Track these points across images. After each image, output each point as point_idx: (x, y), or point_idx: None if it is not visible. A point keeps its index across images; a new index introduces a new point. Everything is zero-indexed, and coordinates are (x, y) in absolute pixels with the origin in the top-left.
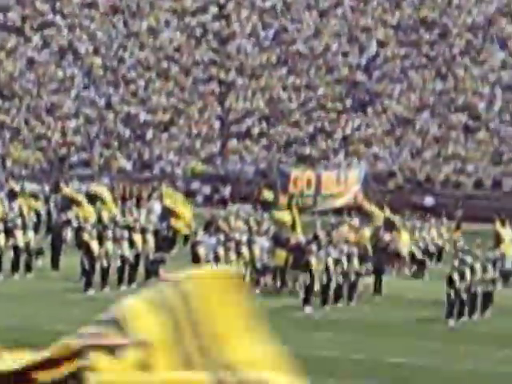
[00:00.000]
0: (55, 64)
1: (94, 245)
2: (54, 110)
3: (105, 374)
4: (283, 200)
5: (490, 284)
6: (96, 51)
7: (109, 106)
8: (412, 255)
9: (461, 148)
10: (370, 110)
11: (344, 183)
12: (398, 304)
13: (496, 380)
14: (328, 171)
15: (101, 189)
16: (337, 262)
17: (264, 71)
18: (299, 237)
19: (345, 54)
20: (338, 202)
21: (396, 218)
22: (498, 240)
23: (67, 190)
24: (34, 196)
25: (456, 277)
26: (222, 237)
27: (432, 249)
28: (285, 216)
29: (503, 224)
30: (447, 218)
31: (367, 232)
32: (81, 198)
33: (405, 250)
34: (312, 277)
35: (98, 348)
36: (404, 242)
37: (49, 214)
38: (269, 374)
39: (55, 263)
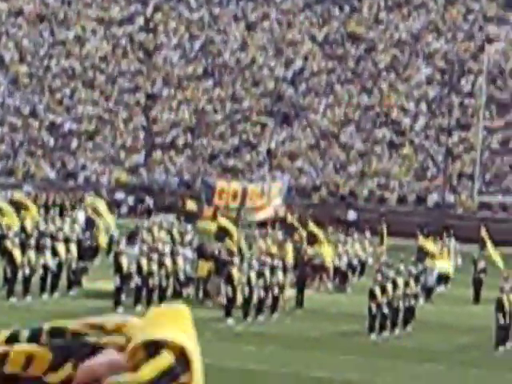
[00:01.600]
0: None
1: (17, 253)
2: None
3: None
4: (207, 211)
5: (413, 299)
6: (22, 59)
7: (34, 114)
8: (335, 269)
9: (385, 163)
10: (295, 123)
11: (266, 196)
12: (320, 318)
13: None
14: (253, 184)
15: (23, 197)
16: (259, 274)
17: (190, 83)
18: (221, 248)
19: (271, 67)
20: (260, 216)
21: (319, 232)
22: (422, 254)
23: None
24: None
25: (378, 291)
26: (145, 247)
27: (355, 263)
28: (209, 226)
29: (427, 237)
30: (370, 233)
31: (290, 245)
32: (4, 206)
33: (327, 264)
34: (234, 289)
35: None
36: (327, 256)
37: None
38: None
39: None
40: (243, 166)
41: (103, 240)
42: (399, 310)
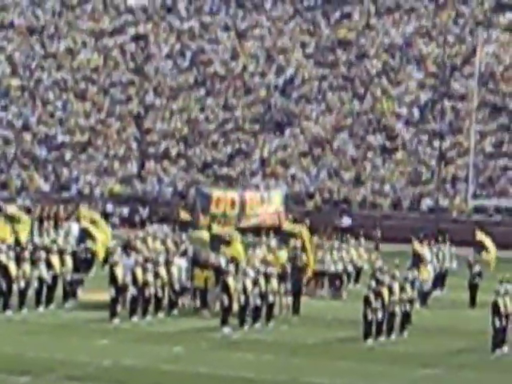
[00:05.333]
0: None
1: (12, 266)
2: None
3: None
4: (204, 221)
5: (408, 304)
6: (13, 72)
7: (26, 127)
8: (330, 276)
9: (378, 169)
10: (287, 131)
11: (267, 203)
12: (316, 324)
13: None
14: (250, 192)
15: (17, 210)
16: (255, 282)
17: (182, 92)
18: (217, 257)
19: (262, 75)
20: (264, 224)
21: (314, 239)
22: (417, 260)
23: None
24: None
25: (372, 297)
26: (139, 258)
27: (350, 269)
28: (203, 235)
29: (421, 242)
30: (365, 239)
31: (285, 252)
32: None
33: (323, 271)
34: (230, 297)
35: None
36: (310, 263)
37: None
38: None
39: None
40: (237, 175)
41: (101, 251)
42: (395, 315)
